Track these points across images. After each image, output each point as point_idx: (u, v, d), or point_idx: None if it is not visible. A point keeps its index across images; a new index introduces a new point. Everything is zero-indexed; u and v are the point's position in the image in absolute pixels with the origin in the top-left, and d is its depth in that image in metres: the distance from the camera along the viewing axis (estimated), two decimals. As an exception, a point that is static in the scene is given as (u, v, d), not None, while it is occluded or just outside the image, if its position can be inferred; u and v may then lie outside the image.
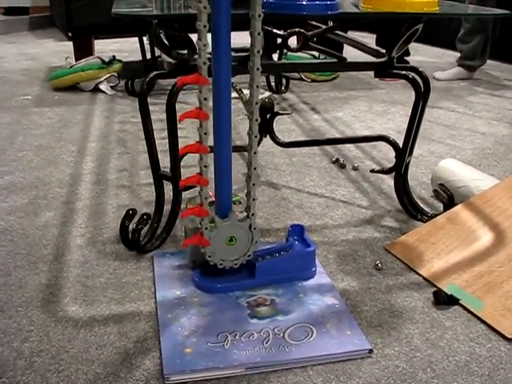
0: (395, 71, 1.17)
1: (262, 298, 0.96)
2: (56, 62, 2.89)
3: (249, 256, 0.97)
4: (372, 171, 1.35)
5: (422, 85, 1.18)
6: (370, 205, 1.34)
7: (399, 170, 1.27)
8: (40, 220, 1.24)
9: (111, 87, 2.30)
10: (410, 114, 1.21)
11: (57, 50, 3.25)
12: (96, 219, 1.24)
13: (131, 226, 1.11)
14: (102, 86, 2.27)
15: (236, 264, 0.97)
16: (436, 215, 1.24)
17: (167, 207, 1.16)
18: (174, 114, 1.08)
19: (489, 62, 2.77)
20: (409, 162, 1.28)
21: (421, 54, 3.23)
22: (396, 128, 1.90)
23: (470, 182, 1.28)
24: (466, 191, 1.27)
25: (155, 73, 1.10)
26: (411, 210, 1.28)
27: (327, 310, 0.93)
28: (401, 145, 1.26)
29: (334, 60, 1.15)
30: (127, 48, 3.13)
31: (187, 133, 1.77)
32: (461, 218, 1.17)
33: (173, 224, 1.15)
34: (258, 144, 1.47)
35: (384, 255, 1.12)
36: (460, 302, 0.97)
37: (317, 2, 0.88)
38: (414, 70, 1.20)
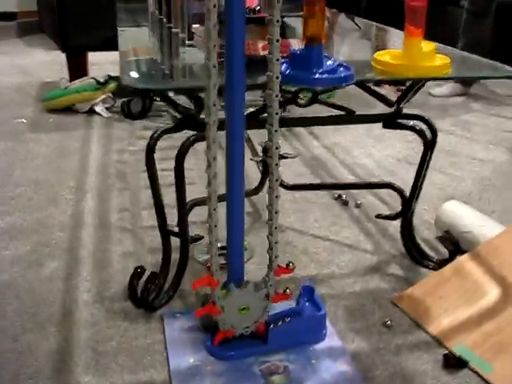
0: (403, 123, 1.18)
1: (274, 365, 0.96)
2: (48, 76, 2.84)
3: (262, 318, 0.97)
4: (378, 217, 1.35)
5: (429, 134, 1.19)
6: (374, 249, 1.35)
7: (405, 217, 1.28)
8: (44, 272, 1.22)
9: (107, 108, 2.28)
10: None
11: (48, 62, 3.20)
12: (101, 270, 1.23)
13: (140, 285, 1.11)
14: (98, 108, 2.25)
15: (247, 331, 0.97)
16: (441, 261, 1.25)
17: (174, 256, 1.15)
18: (182, 173, 1.07)
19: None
20: (414, 208, 1.29)
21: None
22: (396, 155, 1.90)
23: (474, 228, 1.29)
24: (471, 237, 1.28)
25: (162, 129, 1.09)
26: (417, 257, 1.28)
27: (340, 378, 0.94)
28: (404, 185, 1.26)
29: (343, 113, 1.15)
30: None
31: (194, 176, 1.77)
32: (467, 269, 1.17)
33: (180, 280, 1.15)
34: (261, 189, 1.49)
35: (391, 310, 1.13)
36: (469, 364, 0.98)
37: (332, 76, 0.88)
38: (422, 118, 1.20)
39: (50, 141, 1.98)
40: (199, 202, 1.22)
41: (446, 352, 1.00)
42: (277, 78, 0.85)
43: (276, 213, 0.93)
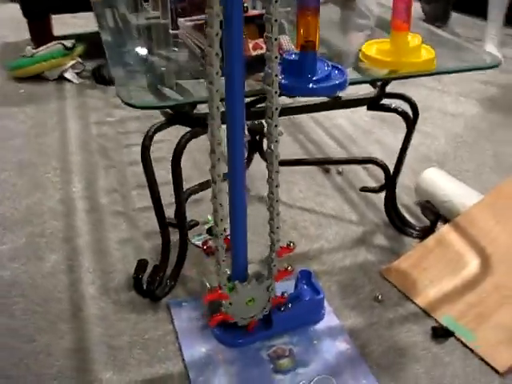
0: (386, 105, 1.22)
1: (280, 349, 1.04)
2: (10, 36, 2.72)
3: (266, 311, 1.04)
4: (362, 190, 1.42)
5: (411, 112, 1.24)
6: (359, 220, 1.42)
7: (389, 190, 1.35)
8: (45, 266, 1.26)
9: (77, 74, 2.23)
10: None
11: (8, 17, 3.04)
12: (101, 260, 1.27)
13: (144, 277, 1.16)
14: (68, 75, 2.20)
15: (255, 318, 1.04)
16: (424, 229, 1.33)
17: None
18: (179, 169, 1.10)
19: (453, 14, 2.81)
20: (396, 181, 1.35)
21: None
22: (370, 114, 1.95)
23: (454, 197, 1.36)
24: (450, 206, 1.36)
25: (155, 127, 1.11)
26: (400, 226, 1.36)
27: (341, 357, 1.02)
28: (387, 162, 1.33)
29: (328, 99, 1.18)
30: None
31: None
32: (449, 240, 1.26)
33: (181, 268, 1.20)
34: (248, 165, 1.52)
35: (381, 283, 1.21)
36: (455, 334, 1.08)
37: (326, 84, 0.90)
38: (403, 97, 1.24)
39: (26, 116, 1.95)
40: (194, 191, 1.26)
41: (434, 325, 1.10)
42: (276, 75, 0.86)
43: (277, 201, 0.97)
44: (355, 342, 1.06)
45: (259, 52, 1.00)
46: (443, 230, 1.28)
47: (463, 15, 2.99)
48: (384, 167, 1.34)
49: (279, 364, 1.01)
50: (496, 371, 1.01)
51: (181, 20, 1.12)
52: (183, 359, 1.02)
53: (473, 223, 1.27)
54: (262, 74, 0.89)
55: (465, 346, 1.06)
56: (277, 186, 0.96)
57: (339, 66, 0.94)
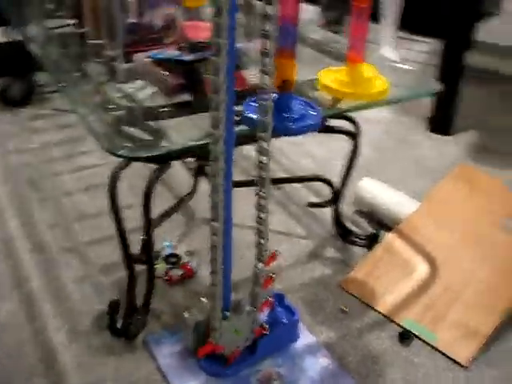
0: (334, 127, 1.30)
1: (268, 372, 1.08)
2: None
3: (249, 341, 1.07)
4: (309, 206, 1.49)
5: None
6: (307, 233, 1.49)
7: (335, 204, 1.43)
8: (1, 318, 1.19)
9: (-22, 97, 2.08)
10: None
11: None
12: (61, 303, 1.22)
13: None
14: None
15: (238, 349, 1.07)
16: (368, 237, 1.43)
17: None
18: (149, 203, 1.09)
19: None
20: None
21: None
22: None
23: (392, 205, 1.47)
24: (389, 213, 1.47)
25: (118, 168, 1.08)
26: (346, 237, 1.45)
27: (325, 373, 1.08)
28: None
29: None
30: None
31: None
32: (395, 247, 1.37)
33: (149, 305, 1.18)
34: (195, 190, 1.53)
35: (341, 295, 1.28)
36: (418, 335, 1.18)
37: (302, 124, 0.94)
38: (345, 117, 1.32)
39: None
40: (157, 223, 1.25)
41: (398, 329, 1.20)
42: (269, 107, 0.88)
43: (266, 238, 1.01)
44: (333, 356, 1.13)
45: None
46: (388, 238, 1.39)
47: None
48: (329, 183, 1.42)
49: (270, 388, 1.05)
50: (460, 365, 1.13)
51: (136, 56, 1.10)
52: (177, 399, 1.03)
53: (415, 230, 1.39)
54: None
55: (429, 345, 1.17)
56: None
57: (312, 104, 0.99)
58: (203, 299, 1.07)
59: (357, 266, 1.35)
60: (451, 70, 1.94)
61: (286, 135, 0.99)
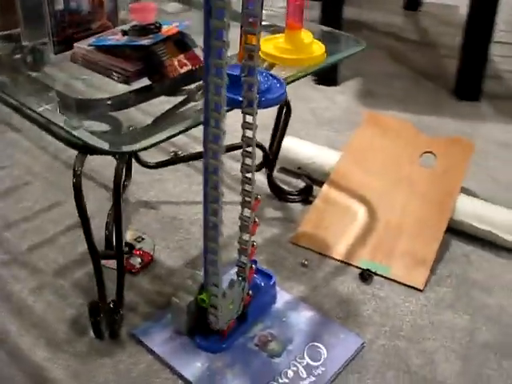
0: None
1: (262, 335, 1.12)
2: None
3: (240, 311, 1.10)
4: None
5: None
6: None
7: (269, 168, 1.48)
8: (-36, 345, 1.08)
9: None
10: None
11: None
12: (27, 319, 1.14)
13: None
14: None
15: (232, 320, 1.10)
16: (302, 191, 1.51)
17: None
18: (120, 197, 1.05)
19: None
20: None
21: None
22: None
23: (316, 158, 1.57)
24: (315, 166, 1.56)
25: (78, 161, 1.03)
26: (282, 196, 1.52)
27: (313, 323, 1.16)
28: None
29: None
30: None
31: None
32: (333, 198, 1.46)
33: (122, 298, 1.15)
34: (130, 176, 1.49)
35: (296, 250, 1.36)
36: (376, 272, 1.30)
37: (270, 96, 0.96)
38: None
39: None
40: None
41: (358, 270, 1.31)
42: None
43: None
44: (312, 307, 1.21)
45: (185, 69, 1.01)
46: (324, 189, 1.48)
47: None
48: (261, 146, 1.46)
49: (270, 350, 1.10)
50: (417, 289, 1.27)
51: (81, 45, 1.04)
52: (187, 380, 1.04)
53: (345, 177, 1.50)
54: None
55: (386, 278, 1.30)
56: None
57: (277, 77, 1.01)
58: (189, 281, 1.08)
59: (303, 221, 1.43)
60: (331, 24, 2.05)
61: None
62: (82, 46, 1.04)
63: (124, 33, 1.02)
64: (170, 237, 1.39)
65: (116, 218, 1.07)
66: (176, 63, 1.00)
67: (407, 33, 2.74)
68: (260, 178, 1.52)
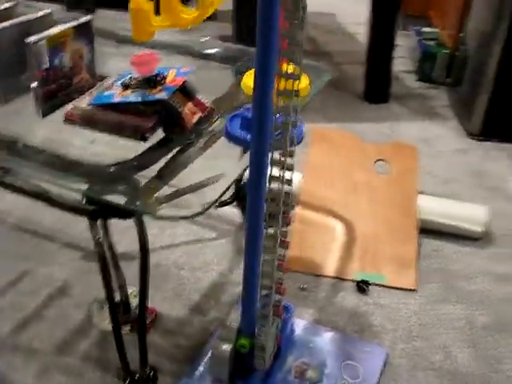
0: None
1: (297, 366, 1.14)
2: None
3: (276, 348, 1.11)
4: (220, 206, 1.50)
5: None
6: (219, 234, 1.52)
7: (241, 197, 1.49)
8: None
9: None
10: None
11: None
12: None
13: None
14: None
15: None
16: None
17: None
18: (147, 261, 1.00)
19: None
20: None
21: None
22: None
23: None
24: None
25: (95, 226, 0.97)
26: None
27: (338, 343, 1.20)
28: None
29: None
30: None
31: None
32: (307, 218, 1.51)
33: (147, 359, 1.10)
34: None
35: (289, 276, 1.36)
36: (371, 282, 1.37)
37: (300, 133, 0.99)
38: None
39: None
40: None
41: (355, 283, 1.36)
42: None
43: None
44: (329, 326, 1.24)
45: (197, 117, 1.00)
46: (297, 211, 1.52)
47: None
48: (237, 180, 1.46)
49: (309, 378, 1.12)
50: (411, 290, 1.36)
51: (77, 104, 0.97)
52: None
53: (313, 196, 1.55)
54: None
55: (381, 285, 1.37)
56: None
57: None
58: (233, 324, 1.06)
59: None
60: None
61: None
62: (81, 105, 0.97)
63: (125, 87, 0.98)
64: (163, 286, 1.34)
65: (142, 285, 1.02)
66: (189, 112, 0.98)
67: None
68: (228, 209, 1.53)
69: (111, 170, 0.92)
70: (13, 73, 1.04)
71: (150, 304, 1.26)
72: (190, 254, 1.44)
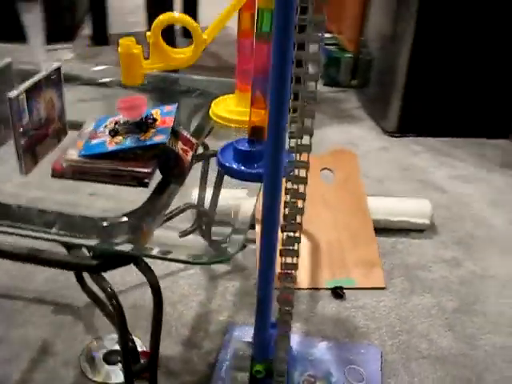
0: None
1: (306, 380, 1.17)
2: None
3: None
4: (183, 235, 1.48)
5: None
6: (186, 266, 1.50)
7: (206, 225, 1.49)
8: None
9: None
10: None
11: None
12: None
13: None
14: None
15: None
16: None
17: None
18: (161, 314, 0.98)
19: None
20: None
21: None
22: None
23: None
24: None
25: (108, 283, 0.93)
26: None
27: (334, 351, 1.25)
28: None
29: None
30: None
31: None
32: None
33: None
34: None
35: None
36: (344, 287, 1.43)
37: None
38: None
39: None
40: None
41: (329, 291, 1.42)
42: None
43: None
44: (322, 337, 1.29)
45: (190, 155, 0.99)
46: (258, 230, 1.54)
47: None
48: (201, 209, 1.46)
49: (320, 389, 1.16)
50: (381, 288, 1.44)
51: (65, 156, 0.92)
52: None
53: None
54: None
55: (354, 289, 1.44)
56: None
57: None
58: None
59: (256, 265, 1.48)
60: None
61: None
62: (69, 157, 0.93)
63: (114, 132, 0.95)
64: (148, 326, 1.30)
65: (156, 330, 1.00)
66: (183, 152, 0.97)
67: (208, 62, 2.87)
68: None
69: (123, 221, 0.89)
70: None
71: (142, 347, 1.24)
72: (165, 289, 1.40)
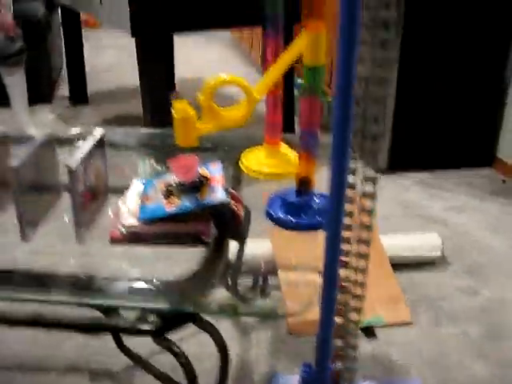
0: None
1: None
2: None
3: None
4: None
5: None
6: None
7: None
8: None
9: None
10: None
11: None
12: None
13: None
14: None
15: None
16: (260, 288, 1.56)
17: None
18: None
19: None
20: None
21: None
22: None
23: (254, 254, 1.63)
24: (256, 261, 1.62)
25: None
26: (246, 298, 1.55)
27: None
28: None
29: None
30: None
31: None
32: (292, 279, 1.56)
33: None
34: None
35: (298, 339, 1.42)
36: (374, 326, 1.46)
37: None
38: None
39: None
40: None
41: (361, 329, 1.44)
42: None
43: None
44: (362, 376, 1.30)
45: (241, 209, 1.01)
46: (281, 276, 1.56)
47: None
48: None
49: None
50: (408, 323, 1.47)
51: (125, 219, 0.93)
52: None
53: (287, 258, 1.60)
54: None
55: (383, 326, 1.46)
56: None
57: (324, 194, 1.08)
58: None
59: (286, 311, 1.49)
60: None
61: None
62: (127, 223, 0.94)
63: (169, 193, 0.96)
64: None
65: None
66: (237, 210, 0.99)
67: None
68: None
69: (192, 282, 0.90)
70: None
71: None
72: (200, 344, 1.41)
